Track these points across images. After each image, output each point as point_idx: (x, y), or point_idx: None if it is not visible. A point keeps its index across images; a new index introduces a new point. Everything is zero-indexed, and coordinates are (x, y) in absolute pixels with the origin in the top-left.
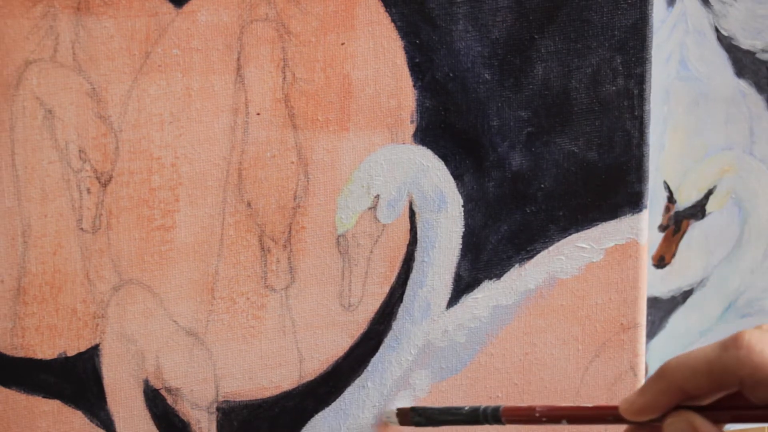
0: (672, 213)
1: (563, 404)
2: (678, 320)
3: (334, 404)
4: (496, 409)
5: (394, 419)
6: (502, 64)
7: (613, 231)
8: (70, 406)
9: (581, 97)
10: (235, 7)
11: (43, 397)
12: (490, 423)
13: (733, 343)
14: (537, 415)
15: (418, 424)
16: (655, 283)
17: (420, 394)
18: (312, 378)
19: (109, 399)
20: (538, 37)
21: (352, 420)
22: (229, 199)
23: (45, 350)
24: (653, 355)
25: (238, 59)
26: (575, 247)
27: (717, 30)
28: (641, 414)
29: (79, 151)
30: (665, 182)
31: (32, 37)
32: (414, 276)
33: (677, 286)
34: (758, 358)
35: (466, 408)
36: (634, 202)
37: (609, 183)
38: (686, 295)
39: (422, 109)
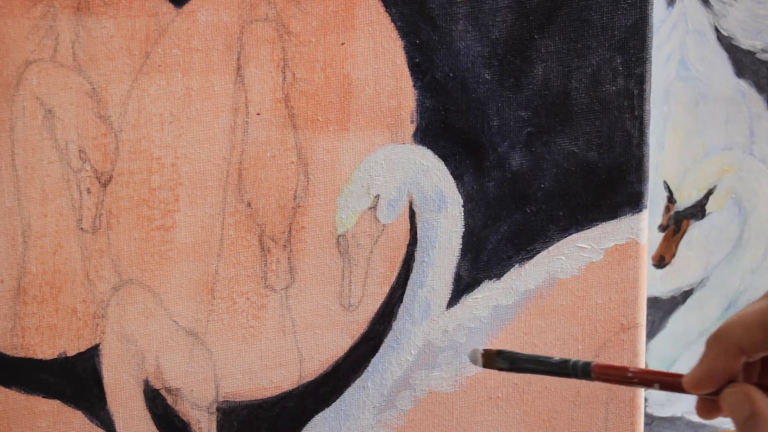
0: (672, 213)
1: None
2: (678, 320)
3: (334, 405)
4: (587, 364)
5: (479, 360)
6: (502, 64)
7: (613, 231)
8: (70, 406)
9: (581, 97)
10: (235, 7)
11: (43, 397)
12: (578, 377)
13: None
14: (629, 375)
15: (501, 369)
16: (655, 283)
17: (420, 394)
18: (312, 378)
19: (109, 399)
20: (538, 37)
21: (352, 420)
22: (229, 199)
23: (45, 350)
24: (653, 355)
25: (238, 59)
26: (575, 247)
27: (717, 30)
28: (702, 384)
29: (79, 151)
30: (665, 182)
31: (32, 37)
32: (414, 276)
33: (677, 286)
34: None
35: (555, 359)
36: (634, 202)
37: (609, 183)
38: (686, 295)
39: (422, 109)
